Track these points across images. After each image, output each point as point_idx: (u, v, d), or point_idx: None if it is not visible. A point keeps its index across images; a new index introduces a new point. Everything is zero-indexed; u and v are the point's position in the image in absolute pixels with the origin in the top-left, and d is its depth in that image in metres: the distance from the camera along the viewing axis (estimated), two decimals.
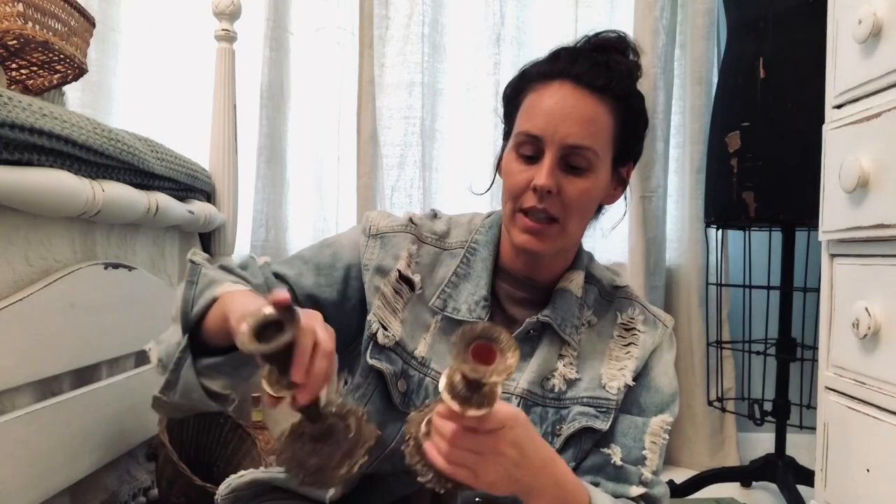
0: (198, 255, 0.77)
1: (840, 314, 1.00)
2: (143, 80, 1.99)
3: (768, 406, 1.65)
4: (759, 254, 1.81)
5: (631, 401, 0.81)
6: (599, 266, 0.90)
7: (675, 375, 0.85)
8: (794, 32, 1.48)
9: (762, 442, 1.84)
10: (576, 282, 0.83)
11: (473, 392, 0.57)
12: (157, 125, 1.94)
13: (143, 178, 1.21)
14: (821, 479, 1.03)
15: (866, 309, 0.90)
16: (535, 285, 0.84)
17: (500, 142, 0.86)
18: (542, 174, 0.74)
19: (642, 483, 0.77)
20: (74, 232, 1.04)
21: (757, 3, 1.56)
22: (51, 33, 1.15)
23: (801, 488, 1.53)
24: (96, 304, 1.06)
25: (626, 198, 0.87)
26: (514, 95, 0.82)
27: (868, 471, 0.92)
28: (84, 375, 1.06)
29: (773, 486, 1.66)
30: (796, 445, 1.67)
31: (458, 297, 0.82)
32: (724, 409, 1.84)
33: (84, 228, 1.07)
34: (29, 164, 0.88)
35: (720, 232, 1.88)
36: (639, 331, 0.83)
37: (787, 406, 1.63)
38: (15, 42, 1.11)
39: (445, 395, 0.58)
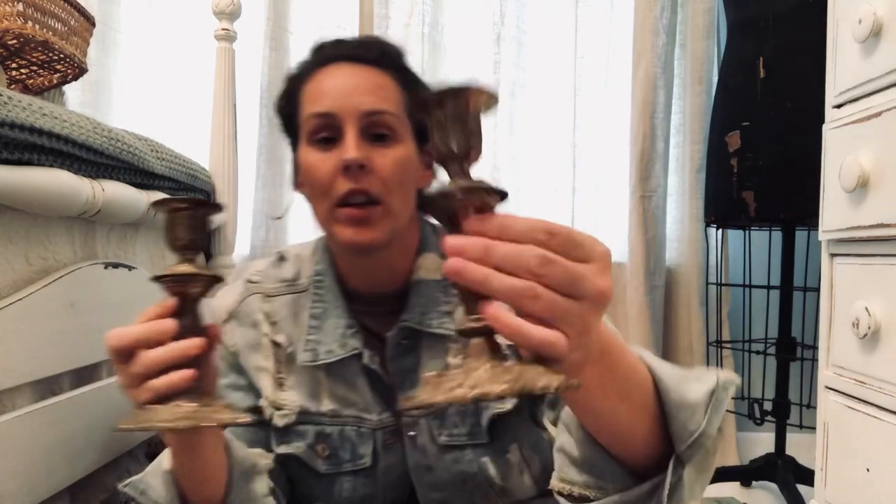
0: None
1: (840, 314, 0.99)
2: (143, 80, 1.99)
3: (768, 406, 1.65)
4: (759, 253, 1.81)
5: None
6: None
7: None
8: (794, 32, 1.48)
9: (762, 442, 1.84)
10: (426, 266, 0.76)
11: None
12: (157, 125, 1.95)
13: (143, 177, 1.21)
14: (821, 478, 1.03)
15: (866, 308, 0.90)
16: (385, 296, 0.76)
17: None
18: (348, 148, 0.67)
19: None
20: (74, 231, 1.04)
21: (757, 2, 1.56)
22: (51, 33, 1.15)
23: (801, 488, 1.53)
24: (96, 303, 1.05)
25: None
26: (289, 101, 0.76)
27: (868, 471, 0.92)
28: (84, 375, 1.06)
29: (773, 485, 1.66)
30: (796, 445, 1.67)
31: (325, 338, 0.75)
32: None
33: (84, 228, 1.07)
34: (29, 163, 0.87)
35: (720, 231, 1.88)
36: None
37: (787, 406, 1.62)
38: (15, 41, 1.11)
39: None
